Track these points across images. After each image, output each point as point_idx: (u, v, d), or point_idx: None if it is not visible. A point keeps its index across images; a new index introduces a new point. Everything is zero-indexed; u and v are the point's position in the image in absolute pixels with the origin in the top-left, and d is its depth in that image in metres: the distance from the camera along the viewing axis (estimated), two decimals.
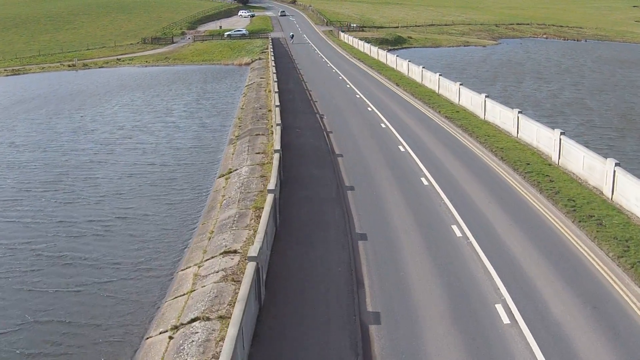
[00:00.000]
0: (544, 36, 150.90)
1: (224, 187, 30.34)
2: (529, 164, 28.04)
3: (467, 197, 23.98)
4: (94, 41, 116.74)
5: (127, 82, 70.51)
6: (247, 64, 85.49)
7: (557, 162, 28.68)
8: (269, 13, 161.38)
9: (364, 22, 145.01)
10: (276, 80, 48.43)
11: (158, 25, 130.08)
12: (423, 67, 54.15)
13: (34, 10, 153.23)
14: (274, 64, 59.87)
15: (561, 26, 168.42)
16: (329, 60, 74.18)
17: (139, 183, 30.81)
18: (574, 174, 26.82)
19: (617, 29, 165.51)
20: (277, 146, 28.08)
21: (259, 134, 38.23)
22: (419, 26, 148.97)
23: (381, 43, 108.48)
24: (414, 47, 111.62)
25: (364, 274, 17.57)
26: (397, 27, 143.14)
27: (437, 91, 49.22)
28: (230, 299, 17.24)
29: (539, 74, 76.01)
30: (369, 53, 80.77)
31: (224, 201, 27.95)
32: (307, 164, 29.29)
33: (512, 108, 34.79)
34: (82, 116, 49.39)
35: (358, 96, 47.92)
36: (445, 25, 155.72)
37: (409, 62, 59.13)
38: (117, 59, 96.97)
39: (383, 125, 37.01)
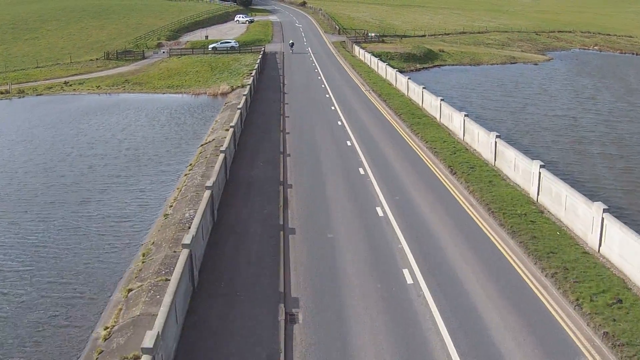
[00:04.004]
0: (596, 48, 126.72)
1: None
2: None
3: None
4: (51, 55, 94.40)
5: (16, 141, 47.56)
6: (225, 94, 62.32)
7: None
8: (272, 18, 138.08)
9: (384, 29, 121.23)
10: (215, 178, 24.13)
11: (135, 33, 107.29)
12: (498, 136, 30.28)
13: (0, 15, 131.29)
14: (239, 119, 35.87)
15: (608, 34, 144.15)
16: (337, 101, 50.50)
17: None
18: None
19: None
20: None
21: None
22: (448, 34, 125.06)
23: (407, 59, 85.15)
24: (448, 65, 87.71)
25: None
26: (424, 35, 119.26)
27: (533, 196, 25.51)
28: None
29: None
30: (393, 82, 57.10)
31: None
32: None
33: None
34: None
35: (381, 215, 24.11)
36: (479, 32, 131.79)
37: (466, 118, 35.25)
38: (64, 83, 74.39)
39: None
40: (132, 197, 31.01)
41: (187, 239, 17.64)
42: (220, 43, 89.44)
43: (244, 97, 42.96)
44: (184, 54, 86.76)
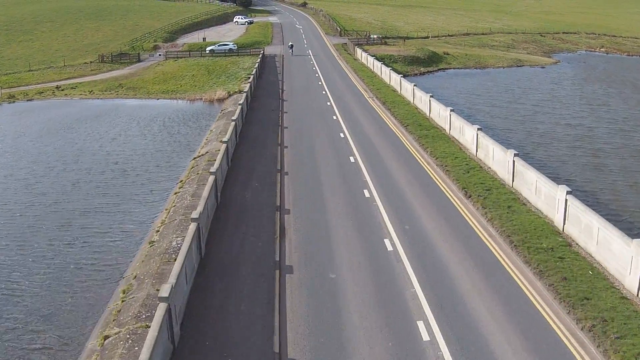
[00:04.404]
0: (602, 50, 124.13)
1: None
2: None
3: None
4: (44, 58, 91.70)
5: None
6: (222, 100, 59.81)
7: None
8: (272, 19, 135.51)
9: (387, 31, 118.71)
10: (202, 208, 21.14)
11: (131, 35, 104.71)
12: (516, 155, 27.64)
13: None
14: (233, 132, 33.29)
15: (614, 36, 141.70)
16: (338, 109, 48.01)
17: None
18: None
19: None
20: None
21: None
22: (452, 36, 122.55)
23: (411, 62, 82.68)
24: (453, 68, 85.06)
25: None
26: (427, 37, 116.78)
27: (558, 225, 22.90)
28: None
29: None
30: (398, 89, 54.55)
31: None
32: None
33: None
34: None
35: (390, 249, 21.48)
36: (483, 34, 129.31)
37: (480, 132, 32.61)
38: (56, 87, 71.90)
39: None
40: (116, 220, 28.44)
41: (164, 291, 15.07)
42: (218, 45, 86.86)
43: (240, 106, 40.38)
44: (181, 57, 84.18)
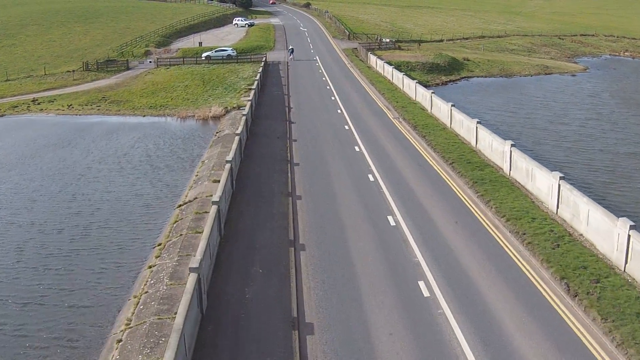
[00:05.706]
0: (627, 54, 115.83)
1: None
2: None
3: None
4: (25, 66, 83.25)
5: None
6: (218, 117, 51.41)
7: None
8: (274, 20, 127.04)
9: (397, 34, 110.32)
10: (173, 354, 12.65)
11: (122, 39, 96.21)
12: (632, 227, 19.16)
13: None
14: (228, 180, 24.78)
15: (634, 38, 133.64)
16: (360, 136, 39.55)
17: None
18: None
19: None
20: None
21: None
22: (467, 39, 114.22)
23: (430, 70, 74.47)
24: (476, 76, 76.54)
25: None
26: (442, 40, 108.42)
27: None
28: None
29: None
30: (427, 106, 46.08)
31: None
32: None
33: None
34: None
35: None
36: (498, 37, 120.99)
37: (563, 183, 23.96)
38: (32, 100, 63.52)
39: None
40: (64, 321, 19.92)
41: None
42: (215, 51, 78.21)
43: (237, 137, 31.86)
44: (174, 64, 75.72)
